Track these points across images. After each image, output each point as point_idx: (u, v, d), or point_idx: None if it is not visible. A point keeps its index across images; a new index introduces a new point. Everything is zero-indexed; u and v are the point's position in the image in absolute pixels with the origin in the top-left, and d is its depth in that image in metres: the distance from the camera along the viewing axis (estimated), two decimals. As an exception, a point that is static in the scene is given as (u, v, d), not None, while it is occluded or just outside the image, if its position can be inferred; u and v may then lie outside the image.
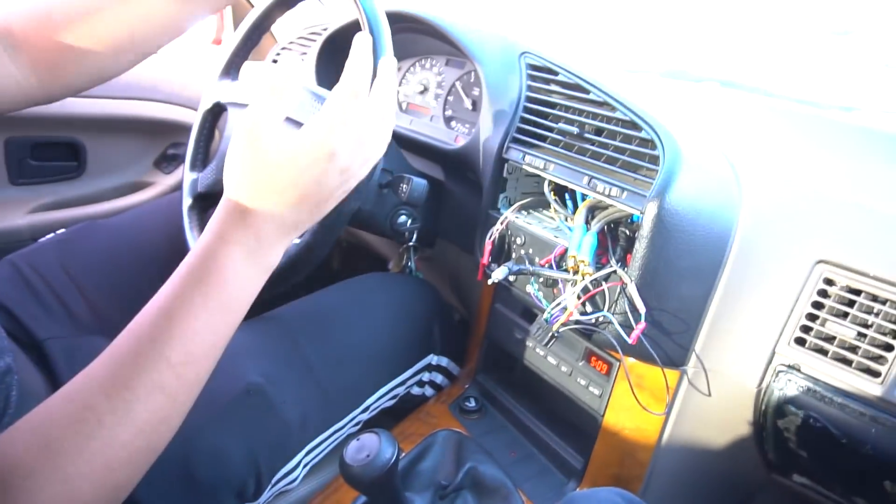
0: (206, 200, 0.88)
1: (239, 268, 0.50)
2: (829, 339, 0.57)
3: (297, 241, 0.72)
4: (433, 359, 0.85)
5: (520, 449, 0.79)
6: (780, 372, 0.60)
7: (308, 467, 0.76)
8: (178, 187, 1.24)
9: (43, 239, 0.87)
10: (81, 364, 0.68)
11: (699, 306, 0.62)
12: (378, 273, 0.90)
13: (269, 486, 0.70)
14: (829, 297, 0.57)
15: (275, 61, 1.17)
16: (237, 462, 0.66)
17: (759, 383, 0.61)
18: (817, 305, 0.57)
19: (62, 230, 0.90)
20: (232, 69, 0.89)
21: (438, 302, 0.88)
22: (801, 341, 0.58)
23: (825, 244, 0.57)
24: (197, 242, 0.52)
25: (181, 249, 0.84)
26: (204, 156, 0.91)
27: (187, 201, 0.88)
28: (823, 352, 0.57)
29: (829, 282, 0.57)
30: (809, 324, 0.58)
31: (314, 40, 1.11)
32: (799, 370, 0.59)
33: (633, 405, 0.66)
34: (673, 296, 0.60)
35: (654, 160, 0.62)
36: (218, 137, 0.93)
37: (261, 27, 0.88)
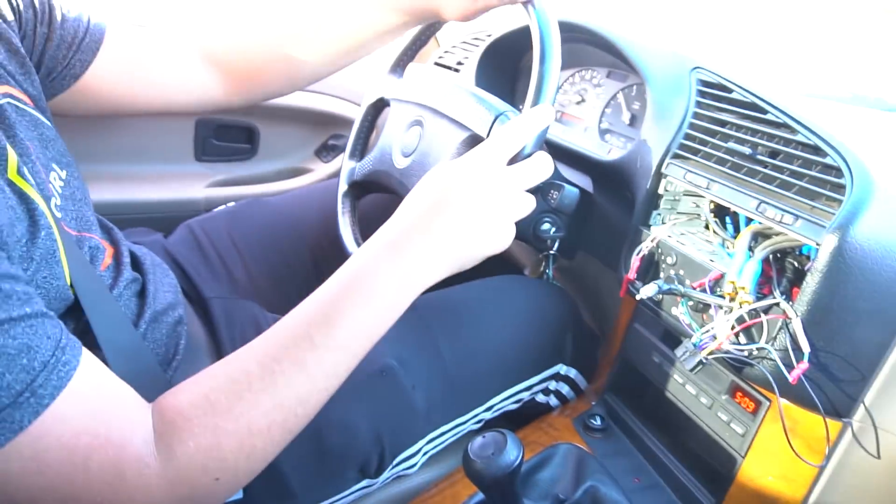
0: (360, 188, 0.93)
1: (391, 286, 0.54)
2: None
3: None
4: (562, 368, 0.84)
5: (644, 476, 0.75)
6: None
7: (427, 456, 0.78)
8: (333, 175, 1.32)
9: (216, 209, 0.97)
10: (237, 323, 0.75)
11: (875, 354, 0.56)
12: (516, 275, 0.90)
13: (390, 467, 0.73)
14: None
15: (437, 64, 1.21)
16: (364, 437, 0.69)
17: (940, 451, 0.54)
18: None
19: (232, 203, 0.99)
20: (399, 67, 0.94)
21: (574, 312, 0.87)
22: None
23: None
24: (364, 248, 0.57)
25: (333, 231, 0.90)
26: (363, 146, 0.97)
27: (343, 188, 0.94)
28: None
29: None
30: None
31: (476, 45, 1.14)
32: None
33: (781, 451, 0.60)
34: (844, 339, 0.55)
35: (839, 189, 0.57)
36: (376, 132, 0.99)
37: (429, 30, 0.92)
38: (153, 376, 0.57)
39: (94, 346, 0.53)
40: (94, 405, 0.44)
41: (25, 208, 0.47)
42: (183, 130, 1.19)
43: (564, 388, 0.86)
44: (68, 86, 0.68)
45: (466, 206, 0.56)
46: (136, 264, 0.68)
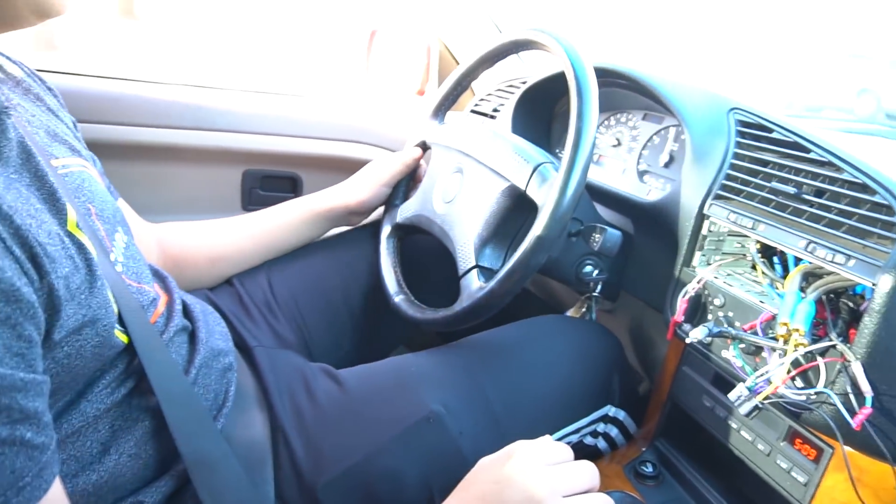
0: (403, 230, 0.96)
1: None
2: None
3: (482, 285, 0.75)
4: (611, 410, 0.82)
5: (701, 529, 0.73)
6: None
7: (478, 503, 0.76)
8: (375, 221, 1.35)
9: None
10: (282, 373, 0.76)
11: (943, 398, 0.53)
12: (558, 315, 0.90)
13: None
14: None
15: (473, 111, 1.24)
16: (412, 486, 0.68)
17: None
18: None
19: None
20: (440, 112, 0.98)
21: (620, 352, 0.86)
22: None
23: None
24: None
25: (375, 275, 0.91)
26: (405, 189, 1.00)
27: (386, 230, 0.96)
28: None
29: None
30: None
31: (511, 92, 1.16)
32: None
33: (849, 501, 0.58)
34: (909, 381, 0.53)
35: (890, 227, 0.56)
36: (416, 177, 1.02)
37: (467, 79, 0.95)
38: (203, 424, 0.59)
39: (149, 392, 0.55)
40: None
41: (83, 258, 0.49)
42: (231, 181, 1.24)
43: (613, 431, 0.84)
44: None
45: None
46: (188, 312, 0.71)
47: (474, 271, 0.78)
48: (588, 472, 0.56)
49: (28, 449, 0.40)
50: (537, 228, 0.69)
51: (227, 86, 1.21)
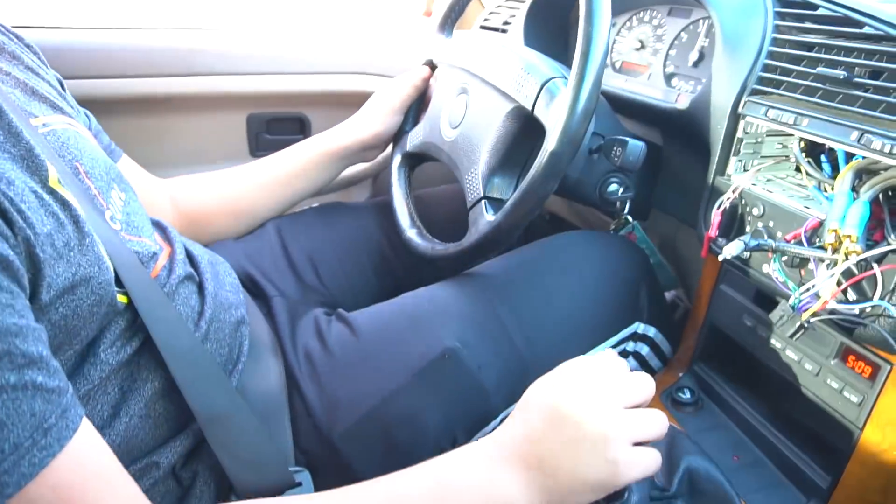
0: (414, 158, 0.90)
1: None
2: None
3: (490, 218, 0.69)
4: (640, 327, 0.77)
5: (745, 453, 0.68)
6: None
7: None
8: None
9: (298, 210, 0.95)
10: (298, 324, 0.74)
11: None
12: (579, 231, 0.84)
13: None
14: None
15: (483, 27, 1.15)
16: (434, 426, 0.66)
17: None
18: None
19: (316, 205, 0.98)
20: (447, 25, 0.90)
21: (646, 265, 0.80)
22: None
23: None
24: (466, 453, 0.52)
25: (398, 244, 0.86)
26: (416, 113, 0.94)
27: (397, 159, 0.91)
28: None
29: None
30: None
31: (521, 3, 1.06)
32: None
33: (909, 421, 0.52)
34: (983, 286, 0.46)
35: (962, 106, 0.47)
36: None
37: None
38: (216, 380, 0.57)
39: (155, 352, 0.53)
40: (73, 498, 0.40)
41: (69, 215, 0.47)
42: (236, 127, 1.20)
43: (644, 349, 0.78)
44: None
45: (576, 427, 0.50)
46: (193, 263, 0.68)
47: (482, 203, 0.72)
48: (658, 422, 0.51)
49: (43, 392, 0.39)
50: (545, 153, 0.63)
51: (221, 26, 1.14)
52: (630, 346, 0.78)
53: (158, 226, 0.69)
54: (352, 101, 1.23)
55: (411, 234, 0.81)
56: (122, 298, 0.51)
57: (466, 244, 0.71)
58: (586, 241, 0.81)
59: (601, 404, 0.50)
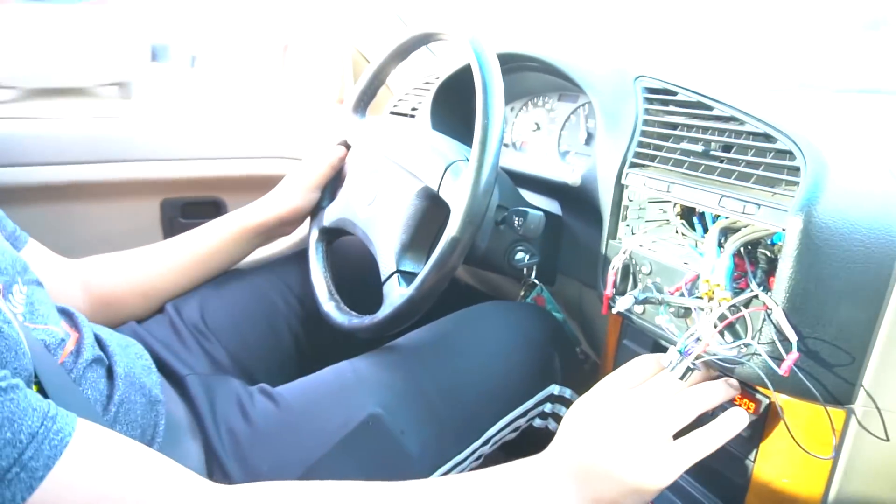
0: (330, 234, 0.93)
1: None
2: None
3: (403, 291, 0.73)
4: (555, 389, 0.81)
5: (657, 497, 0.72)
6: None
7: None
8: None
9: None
10: (218, 400, 0.73)
11: (864, 333, 0.54)
12: (492, 301, 0.88)
13: None
14: None
15: (392, 112, 1.22)
16: None
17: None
18: None
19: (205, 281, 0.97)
20: (359, 108, 0.95)
21: (558, 330, 0.85)
22: None
23: None
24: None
25: (308, 292, 0.88)
26: (331, 190, 0.97)
27: (314, 234, 0.93)
28: None
29: None
30: None
31: (427, 89, 1.15)
32: None
33: (790, 449, 0.58)
34: (829, 321, 0.53)
35: (795, 171, 0.56)
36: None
37: (381, 74, 0.93)
38: None
39: None
40: (107, 469, 0.44)
41: None
42: (149, 213, 1.19)
43: (562, 410, 0.82)
44: None
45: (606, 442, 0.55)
46: (102, 347, 0.67)
47: (395, 277, 0.76)
48: (693, 399, 0.56)
49: (33, 392, 0.44)
50: (451, 230, 0.68)
51: (131, 113, 1.15)
52: (548, 407, 0.82)
53: (65, 313, 0.68)
54: (268, 184, 1.25)
55: (329, 307, 0.83)
56: (34, 387, 0.51)
57: (381, 317, 0.74)
58: (500, 311, 0.86)
59: (637, 451, 0.53)
